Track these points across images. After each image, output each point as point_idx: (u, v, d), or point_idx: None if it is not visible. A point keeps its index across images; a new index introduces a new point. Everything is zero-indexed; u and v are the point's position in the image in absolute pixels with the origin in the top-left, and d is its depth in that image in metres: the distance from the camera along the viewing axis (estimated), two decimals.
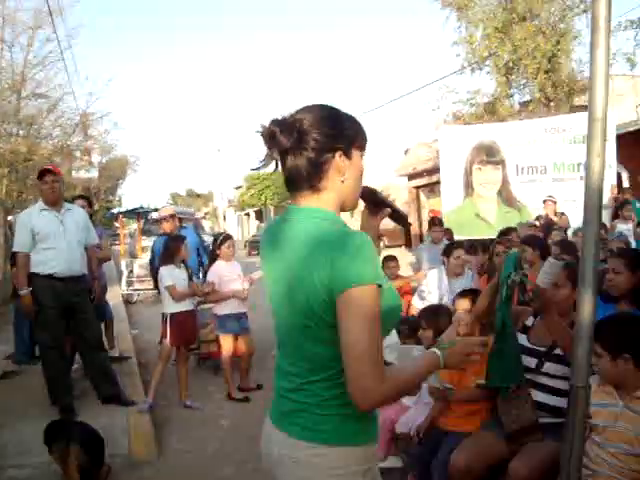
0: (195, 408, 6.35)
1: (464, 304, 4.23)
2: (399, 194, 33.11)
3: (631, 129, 13.92)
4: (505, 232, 7.46)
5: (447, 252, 6.59)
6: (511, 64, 15.61)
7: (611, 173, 11.26)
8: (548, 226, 9.57)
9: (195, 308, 6.75)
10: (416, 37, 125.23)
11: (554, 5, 15.51)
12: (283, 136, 1.76)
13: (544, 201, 10.82)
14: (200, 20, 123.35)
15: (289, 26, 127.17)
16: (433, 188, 26.43)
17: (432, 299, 6.39)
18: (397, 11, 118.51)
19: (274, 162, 1.87)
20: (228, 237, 7.24)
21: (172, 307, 6.30)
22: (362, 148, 1.88)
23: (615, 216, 10.22)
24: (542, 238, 6.99)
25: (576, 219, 10.46)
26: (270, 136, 1.78)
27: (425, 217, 27.20)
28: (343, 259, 1.64)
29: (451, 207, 12.38)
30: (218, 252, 6.92)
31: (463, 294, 4.40)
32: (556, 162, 11.62)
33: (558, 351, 3.46)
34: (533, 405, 3.45)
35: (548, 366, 3.48)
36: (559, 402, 3.39)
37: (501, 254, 5.63)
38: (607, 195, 11.04)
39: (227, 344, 6.81)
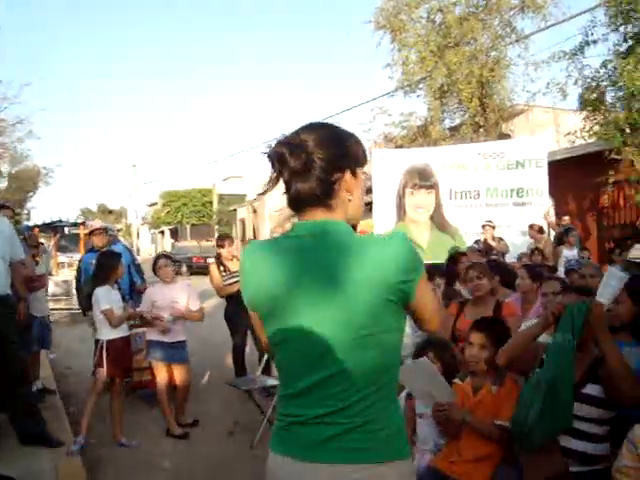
0: (131, 447, 5.73)
1: (479, 339, 3.73)
2: None
3: (554, 159, 14.19)
4: (456, 257, 7.25)
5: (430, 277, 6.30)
6: (445, 88, 15.68)
7: (544, 200, 11.41)
8: (487, 251, 9.55)
9: (130, 333, 6.15)
10: (348, 57, 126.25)
11: (487, 32, 15.76)
12: (293, 157, 1.78)
13: (483, 226, 10.74)
14: (120, 32, 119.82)
15: (203, 42, 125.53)
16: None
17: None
18: (329, 28, 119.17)
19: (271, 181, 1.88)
20: (161, 256, 6.74)
21: (108, 333, 5.70)
22: (364, 165, 1.94)
23: (560, 242, 10.30)
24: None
25: (512, 245, 10.54)
26: (279, 158, 1.81)
27: None
28: (403, 255, 1.73)
29: (383, 230, 12.22)
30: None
31: (479, 326, 3.86)
32: (489, 187, 11.64)
33: (588, 390, 3.07)
34: (560, 452, 3.06)
35: (577, 407, 3.04)
36: (590, 448, 3.04)
37: (475, 280, 5.40)
38: (544, 223, 11.15)
39: (161, 373, 6.26)
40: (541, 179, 11.44)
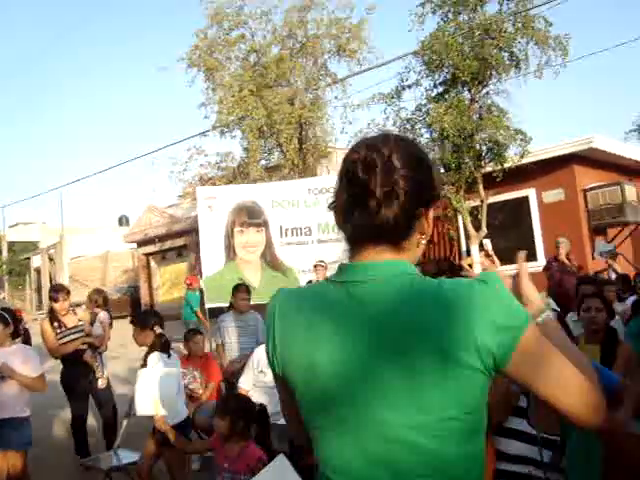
0: None
1: None
2: (122, 261, 31.41)
3: None
4: None
5: None
6: (265, 128, 15.46)
7: None
8: None
9: None
10: (162, 94, 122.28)
11: (303, 74, 15.83)
12: (379, 177, 1.35)
13: (315, 266, 10.48)
14: None
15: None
16: (165, 255, 25.40)
17: (268, 380, 5.50)
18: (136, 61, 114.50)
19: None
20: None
21: None
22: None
23: None
24: None
25: None
26: (363, 176, 1.37)
27: (157, 284, 25.96)
28: (495, 309, 1.27)
29: (211, 272, 11.60)
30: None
31: None
32: (320, 223, 11.50)
33: None
34: None
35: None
36: None
37: None
38: None
39: None
40: None
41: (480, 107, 13.40)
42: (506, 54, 12.70)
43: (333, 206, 1.46)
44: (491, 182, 13.35)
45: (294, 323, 1.43)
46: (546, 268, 11.70)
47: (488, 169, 13.40)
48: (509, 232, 14.87)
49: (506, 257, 13.77)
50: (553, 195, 14.31)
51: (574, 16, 56.63)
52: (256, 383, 5.59)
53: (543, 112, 78.65)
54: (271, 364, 1.49)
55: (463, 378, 1.26)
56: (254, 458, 3.87)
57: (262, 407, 4.22)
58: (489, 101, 13.43)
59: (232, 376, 6.92)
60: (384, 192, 1.34)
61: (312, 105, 15.37)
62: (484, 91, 13.34)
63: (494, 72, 12.82)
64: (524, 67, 12.87)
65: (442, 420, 1.27)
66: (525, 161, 13.00)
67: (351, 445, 1.34)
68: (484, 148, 13.34)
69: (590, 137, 13.65)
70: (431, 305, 1.30)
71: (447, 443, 1.28)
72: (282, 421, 4.95)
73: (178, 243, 23.71)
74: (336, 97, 16.25)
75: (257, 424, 4.07)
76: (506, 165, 13.00)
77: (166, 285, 25.14)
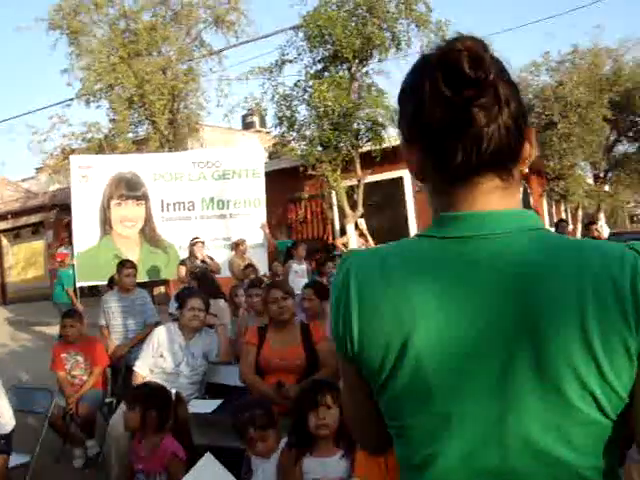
0: None
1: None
2: None
3: None
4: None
5: (181, 302, 5.35)
6: (135, 98, 14.60)
7: (261, 211, 11.17)
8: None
9: None
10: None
11: (177, 44, 15.11)
12: (496, 75, 1.04)
13: (191, 243, 9.87)
14: None
15: None
16: (19, 232, 23.56)
17: (168, 365, 5.10)
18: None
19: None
20: None
21: None
22: None
23: (289, 256, 10.05)
24: None
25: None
26: (478, 67, 1.03)
27: (10, 264, 24.08)
28: None
29: (85, 248, 10.84)
30: None
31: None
32: (204, 198, 11.04)
33: None
34: None
35: None
36: None
37: (280, 301, 4.71)
38: (261, 235, 10.89)
39: None
40: (258, 189, 11.22)
41: (360, 86, 13.43)
42: (388, 34, 12.79)
43: (408, 131, 1.13)
44: (368, 162, 13.43)
45: (381, 293, 1.09)
46: None
47: (366, 148, 13.48)
48: (384, 212, 15.11)
49: (381, 237, 14.04)
50: None
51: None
52: (154, 368, 5.07)
53: None
54: (341, 345, 1.15)
55: (622, 370, 0.98)
56: (168, 453, 3.46)
57: (178, 395, 3.84)
58: (369, 80, 13.52)
59: (119, 361, 6.48)
60: (500, 97, 1.04)
61: (185, 76, 14.71)
62: (364, 70, 13.39)
63: (376, 51, 12.88)
64: (405, 48, 13.03)
65: (586, 423, 1.00)
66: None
67: (456, 450, 1.05)
68: (363, 127, 13.41)
69: None
70: (578, 273, 1.00)
71: (587, 453, 1.01)
72: (198, 409, 4.62)
73: (34, 220, 22.07)
74: (211, 69, 15.69)
75: (173, 415, 3.63)
76: (384, 145, 13.12)
77: (20, 265, 23.34)
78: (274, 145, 13.93)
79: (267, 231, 11.09)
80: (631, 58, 20.49)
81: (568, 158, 18.13)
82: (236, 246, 10.05)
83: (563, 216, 21.25)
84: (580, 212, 19.59)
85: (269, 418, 3.24)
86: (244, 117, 24.49)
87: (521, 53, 73.80)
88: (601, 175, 21.57)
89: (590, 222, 13.35)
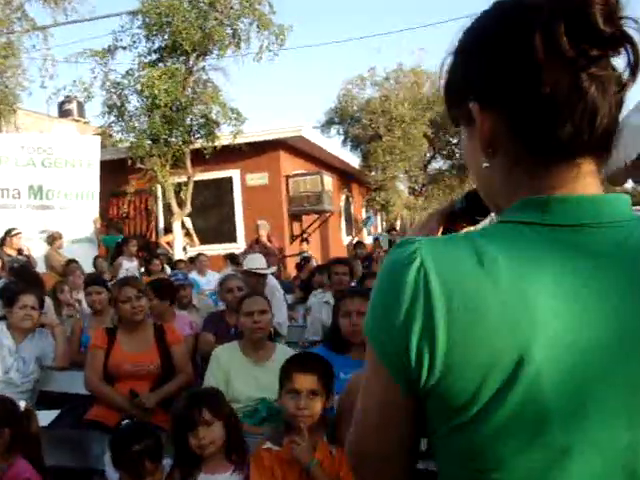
0: None
1: (309, 383, 2.77)
2: None
3: None
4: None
5: (9, 299, 4.68)
6: None
7: (94, 205, 10.39)
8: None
9: None
10: None
11: None
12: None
13: (8, 235, 8.93)
14: None
15: None
16: None
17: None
18: None
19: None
20: None
21: None
22: None
23: (119, 252, 9.35)
24: None
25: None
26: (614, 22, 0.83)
27: None
28: None
29: None
30: None
31: (306, 366, 2.84)
32: (32, 185, 10.05)
33: None
34: None
35: None
36: None
37: (134, 300, 4.25)
38: (91, 228, 10.12)
39: None
40: (92, 182, 10.44)
41: (196, 81, 12.99)
42: (229, 30, 12.49)
43: (488, 91, 0.91)
44: (199, 159, 13.01)
45: (483, 295, 0.82)
46: (247, 251, 11.80)
47: (197, 145, 13.05)
48: (212, 212, 14.75)
49: (207, 237, 13.69)
50: (257, 178, 14.49)
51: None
52: None
53: (258, 95, 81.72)
54: (401, 367, 0.86)
55: None
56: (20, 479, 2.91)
57: (28, 409, 3.29)
58: (206, 76, 13.12)
59: None
60: (634, 64, 0.86)
61: (5, 50, 13.32)
62: (202, 64, 12.97)
63: (215, 47, 12.51)
64: (245, 47, 12.79)
65: None
66: (237, 141, 12.89)
67: None
68: (196, 123, 12.98)
69: (300, 126, 14.11)
70: None
71: None
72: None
73: None
74: (34, 46, 14.35)
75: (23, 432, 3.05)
76: (217, 143, 12.78)
77: None
78: (99, 135, 13.00)
79: (98, 226, 10.34)
80: None
81: (391, 170, 18.86)
82: (53, 240, 9.25)
83: (381, 225, 22.12)
84: (399, 222, 20.46)
85: (160, 446, 2.85)
86: (61, 104, 22.84)
87: (348, 66, 76.68)
88: (417, 188, 22.72)
89: None
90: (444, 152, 23.34)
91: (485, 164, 0.94)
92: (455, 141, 22.95)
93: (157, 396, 4.06)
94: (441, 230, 1.20)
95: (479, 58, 0.92)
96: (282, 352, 4.05)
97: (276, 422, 3.64)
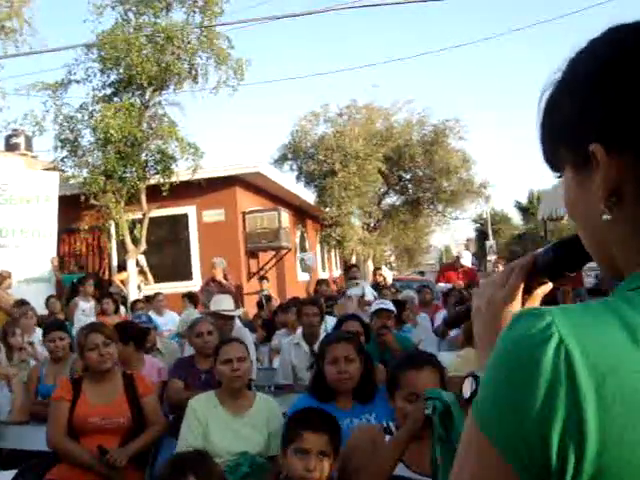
0: None
1: (319, 444, 2.60)
2: None
3: None
4: None
5: None
6: None
7: (51, 242, 9.99)
8: None
9: None
10: None
11: None
12: None
13: None
14: None
15: None
16: None
17: None
18: None
19: None
20: None
21: None
22: None
23: (75, 292, 8.96)
24: None
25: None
26: None
27: None
28: None
29: None
30: None
31: (317, 425, 2.67)
32: None
33: None
34: None
35: None
36: None
37: (101, 347, 3.97)
38: (48, 266, 9.71)
39: None
40: (50, 218, 10.06)
41: (151, 115, 12.75)
42: (186, 65, 12.33)
43: (618, 133, 0.75)
44: (154, 195, 12.70)
45: (637, 380, 0.66)
46: (203, 289, 11.48)
47: (152, 181, 12.76)
48: (167, 249, 14.43)
49: (162, 275, 13.32)
50: (214, 215, 14.25)
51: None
52: None
53: (213, 131, 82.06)
54: (554, 465, 0.67)
55: None
56: None
57: None
58: (162, 110, 12.89)
59: None
60: None
61: None
62: (158, 99, 12.75)
63: (172, 81, 12.33)
64: (203, 82, 12.65)
65: None
66: (194, 177, 12.65)
67: None
68: (152, 159, 12.71)
69: (257, 162, 14.00)
70: None
71: None
72: None
73: None
74: None
75: None
76: (174, 179, 12.53)
77: None
78: (50, 170, 12.60)
79: (56, 264, 9.92)
80: (402, 118, 22.09)
81: (346, 206, 18.84)
82: (2, 279, 8.82)
83: (336, 261, 22.03)
84: (354, 258, 20.38)
85: None
86: (8, 137, 22.26)
87: (301, 102, 77.53)
88: (371, 224, 22.75)
89: (376, 268, 13.86)
90: (397, 188, 23.49)
91: (606, 216, 0.78)
92: (408, 177, 23.16)
93: (128, 452, 3.78)
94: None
95: (604, 93, 0.77)
96: (264, 402, 3.84)
97: (259, 478, 3.42)
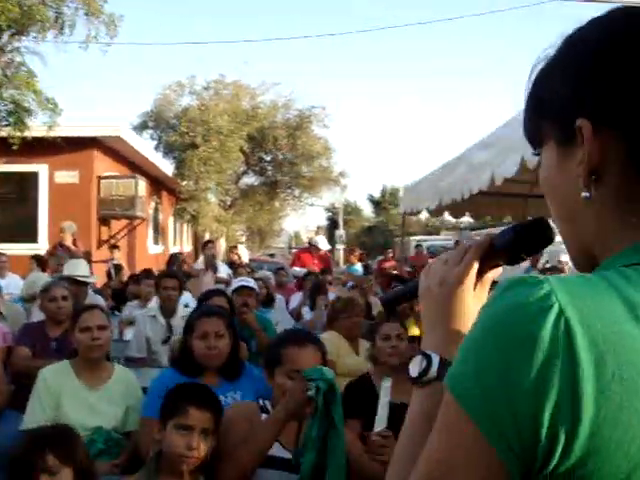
0: None
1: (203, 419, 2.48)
2: None
3: None
4: None
5: None
6: None
7: None
8: None
9: None
10: None
11: None
12: None
13: None
14: None
15: None
16: None
17: None
18: None
19: None
20: None
21: None
22: None
23: None
24: None
25: None
26: None
27: None
28: None
29: None
30: None
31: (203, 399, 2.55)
32: None
33: None
34: None
35: None
36: None
37: None
38: None
39: None
40: None
41: (7, 62, 11.82)
42: (52, 13, 11.52)
43: (606, 109, 0.76)
44: (3, 149, 11.83)
45: (637, 357, 0.65)
46: (50, 253, 10.85)
47: (3, 133, 11.84)
48: (12, 207, 13.53)
49: (5, 235, 12.46)
50: (67, 176, 13.49)
51: None
52: None
53: (77, 87, 76.76)
54: (544, 443, 0.65)
55: None
56: None
57: None
58: (20, 58, 11.96)
59: None
60: None
61: None
62: (17, 45, 11.82)
63: (34, 28, 11.47)
64: (68, 33, 11.86)
65: None
66: (49, 134, 11.86)
67: None
68: (4, 109, 11.79)
69: (118, 126, 13.39)
70: None
71: None
72: None
73: None
74: None
75: None
76: (27, 133, 11.68)
77: None
78: None
79: None
80: (269, 99, 22.01)
81: (204, 181, 18.55)
82: None
83: (188, 236, 21.66)
84: (207, 235, 20.09)
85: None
86: None
87: (168, 70, 74.92)
88: (227, 202, 22.54)
89: (232, 246, 13.75)
90: (256, 168, 23.41)
91: (585, 194, 0.78)
92: (268, 158, 23.14)
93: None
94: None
95: (598, 73, 0.77)
96: (122, 374, 3.68)
97: (115, 455, 3.29)
